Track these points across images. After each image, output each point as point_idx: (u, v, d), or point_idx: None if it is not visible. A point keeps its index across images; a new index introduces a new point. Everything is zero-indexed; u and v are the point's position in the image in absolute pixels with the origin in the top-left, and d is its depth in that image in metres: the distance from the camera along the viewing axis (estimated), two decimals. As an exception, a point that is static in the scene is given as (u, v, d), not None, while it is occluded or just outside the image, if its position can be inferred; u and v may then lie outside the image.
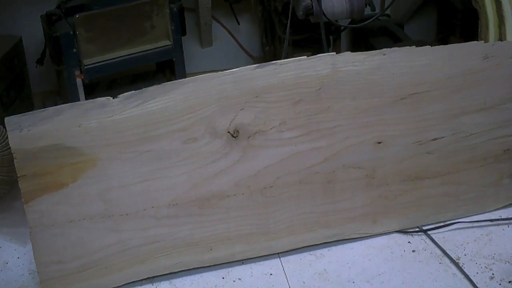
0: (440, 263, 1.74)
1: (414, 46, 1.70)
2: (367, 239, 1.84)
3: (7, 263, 1.81)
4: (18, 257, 1.83)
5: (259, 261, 1.78)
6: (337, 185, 1.77)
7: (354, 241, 1.83)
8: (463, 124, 1.81)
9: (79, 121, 1.54)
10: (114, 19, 2.20)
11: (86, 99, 2.18)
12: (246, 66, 1.62)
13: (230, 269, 1.75)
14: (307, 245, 1.80)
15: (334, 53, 1.67)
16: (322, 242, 1.82)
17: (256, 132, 1.66)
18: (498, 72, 1.78)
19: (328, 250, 1.81)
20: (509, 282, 1.65)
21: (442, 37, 2.89)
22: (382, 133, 1.75)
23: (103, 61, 2.25)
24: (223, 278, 1.73)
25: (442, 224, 1.88)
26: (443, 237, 1.84)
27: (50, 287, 1.63)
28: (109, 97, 1.56)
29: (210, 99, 1.60)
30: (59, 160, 1.55)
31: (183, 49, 2.39)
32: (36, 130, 1.51)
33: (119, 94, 1.57)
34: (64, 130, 1.53)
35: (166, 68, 2.52)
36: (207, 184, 1.67)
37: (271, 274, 1.73)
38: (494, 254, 1.76)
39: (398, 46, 1.71)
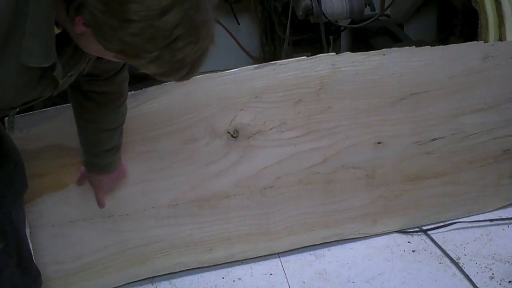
0: (440, 263, 1.74)
1: (414, 46, 1.70)
2: (367, 239, 1.85)
3: (7, 263, 1.81)
4: (18, 257, 1.83)
5: (259, 261, 1.78)
6: (337, 185, 1.77)
7: (354, 241, 1.84)
8: (463, 124, 1.81)
9: (79, 121, 1.54)
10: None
11: (86, 99, 2.18)
12: (246, 66, 1.62)
13: (230, 269, 1.76)
14: (307, 245, 1.81)
15: (334, 53, 1.67)
16: (322, 242, 1.82)
17: (256, 133, 1.66)
18: (498, 72, 1.78)
19: (328, 250, 1.81)
20: (509, 282, 1.65)
21: (442, 37, 2.89)
22: (382, 133, 1.75)
23: (103, 61, 2.24)
24: (223, 278, 1.73)
25: (442, 224, 1.88)
26: (443, 237, 1.84)
27: (51, 287, 1.63)
28: (109, 98, 1.56)
29: (210, 99, 1.60)
30: (59, 160, 1.55)
31: (183, 49, 2.38)
32: (36, 130, 1.50)
33: (119, 94, 1.57)
34: (64, 130, 1.52)
35: (166, 68, 2.51)
36: (207, 184, 1.67)
37: (271, 274, 1.73)
38: (494, 254, 1.76)
39: (398, 46, 1.71)
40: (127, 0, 0.92)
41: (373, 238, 1.85)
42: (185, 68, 1.03)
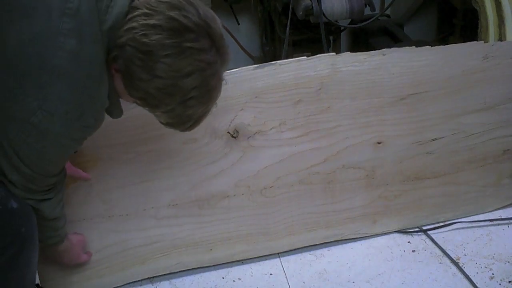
0: (440, 263, 1.74)
1: (414, 46, 1.70)
2: (367, 239, 1.85)
3: (7, 263, 1.81)
4: (18, 257, 1.83)
5: (259, 261, 1.78)
6: (337, 185, 1.77)
7: (354, 241, 1.84)
8: (463, 124, 1.81)
9: (79, 121, 1.54)
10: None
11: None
12: (246, 66, 1.62)
13: (230, 269, 1.76)
14: (307, 245, 1.81)
15: (334, 53, 1.67)
16: (322, 242, 1.82)
17: (256, 133, 1.66)
18: (498, 72, 1.78)
19: (328, 250, 1.81)
20: (509, 282, 1.65)
21: (442, 37, 2.90)
22: (382, 133, 1.75)
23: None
24: (223, 278, 1.73)
25: (442, 224, 1.88)
26: (443, 237, 1.84)
27: (51, 287, 1.63)
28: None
29: (210, 99, 1.60)
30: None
31: (183, 49, 2.38)
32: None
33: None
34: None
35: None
36: (207, 184, 1.67)
37: (271, 274, 1.73)
38: (494, 254, 1.76)
39: (398, 46, 1.71)
40: (160, 60, 1.10)
41: (373, 238, 1.85)
42: (190, 122, 1.22)
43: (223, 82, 1.22)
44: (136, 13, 1.12)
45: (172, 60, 1.10)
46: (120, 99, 1.26)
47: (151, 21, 1.10)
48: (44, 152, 1.19)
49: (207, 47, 1.13)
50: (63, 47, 1.10)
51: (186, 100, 1.15)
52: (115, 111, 1.28)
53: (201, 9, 1.14)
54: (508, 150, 1.89)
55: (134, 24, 1.11)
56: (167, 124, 1.23)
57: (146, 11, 1.11)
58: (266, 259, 1.78)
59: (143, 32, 1.10)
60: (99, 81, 1.17)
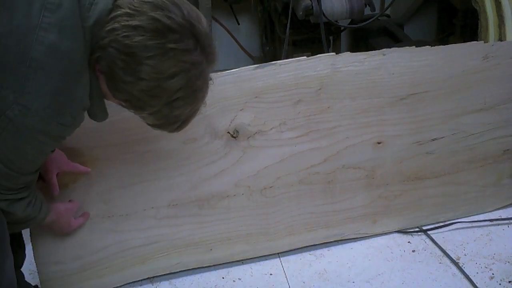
0: (440, 263, 1.74)
1: (413, 46, 1.71)
2: (367, 239, 1.84)
3: (7, 264, 1.80)
4: (18, 258, 1.83)
5: (259, 261, 1.78)
6: (337, 185, 1.77)
7: (354, 241, 1.84)
8: (463, 124, 1.81)
9: (79, 121, 1.54)
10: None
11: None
12: (246, 67, 1.62)
13: (230, 269, 1.75)
14: (307, 245, 1.80)
15: (334, 53, 1.67)
16: (322, 242, 1.82)
17: (256, 133, 1.66)
18: (498, 72, 1.78)
19: (328, 250, 1.81)
20: (509, 282, 1.65)
21: (442, 37, 2.90)
22: (382, 133, 1.75)
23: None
24: (223, 278, 1.73)
25: (442, 224, 1.88)
26: (443, 237, 1.84)
27: (51, 287, 1.63)
28: (109, 98, 1.56)
29: (210, 99, 1.59)
30: (59, 160, 1.54)
31: (183, 49, 2.38)
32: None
33: (119, 94, 1.56)
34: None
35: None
36: (207, 184, 1.67)
37: (271, 274, 1.73)
38: (494, 254, 1.76)
39: (398, 46, 1.71)
40: (143, 62, 1.08)
41: (373, 238, 1.85)
42: (177, 123, 1.21)
43: (210, 81, 1.21)
44: (119, 12, 1.10)
45: (155, 61, 1.09)
46: (107, 100, 1.23)
47: (134, 22, 1.08)
48: (20, 149, 1.16)
49: (192, 47, 1.12)
50: (43, 41, 1.08)
51: (171, 101, 1.14)
52: (99, 113, 1.25)
53: (185, 9, 1.12)
54: (508, 150, 1.89)
55: (116, 25, 1.09)
56: (154, 126, 1.22)
57: (129, 11, 1.09)
58: (266, 259, 1.78)
59: (125, 34, 1.08)
60: (78, 78, 1.14)
